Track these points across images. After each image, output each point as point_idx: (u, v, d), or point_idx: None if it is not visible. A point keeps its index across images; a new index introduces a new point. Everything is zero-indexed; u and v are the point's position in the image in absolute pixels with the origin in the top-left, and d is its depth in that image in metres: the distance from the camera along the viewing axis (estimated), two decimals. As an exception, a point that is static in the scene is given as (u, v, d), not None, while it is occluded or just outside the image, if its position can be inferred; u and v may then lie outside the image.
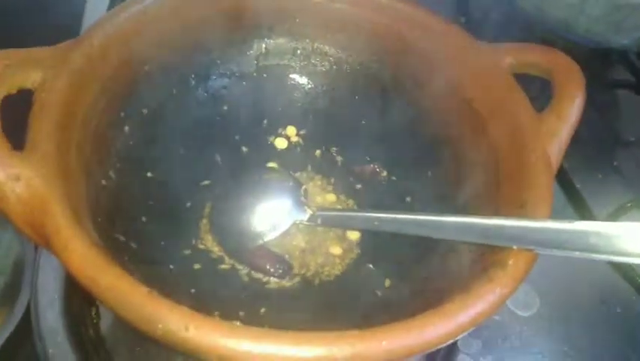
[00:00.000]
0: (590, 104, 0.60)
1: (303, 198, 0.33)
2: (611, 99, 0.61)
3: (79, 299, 0.35)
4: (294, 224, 0.33)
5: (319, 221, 0.32)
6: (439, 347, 0.21)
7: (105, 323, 0.34)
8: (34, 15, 0.53)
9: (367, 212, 0.32)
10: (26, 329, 0.36)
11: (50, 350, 0.33)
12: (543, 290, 0.40)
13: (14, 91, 0.25)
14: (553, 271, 0.41)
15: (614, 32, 0.51)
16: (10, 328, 0.35)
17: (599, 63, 0.61)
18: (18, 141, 0.24)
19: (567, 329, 0.39)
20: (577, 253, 0.23)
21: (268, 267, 0.31)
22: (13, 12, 0.54)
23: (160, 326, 0.20)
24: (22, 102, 0.26)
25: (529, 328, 0.38)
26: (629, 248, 0.22)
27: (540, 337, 0.38)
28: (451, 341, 0.22)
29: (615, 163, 0.53)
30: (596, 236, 0.23)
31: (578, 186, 0.48)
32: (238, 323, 0.20)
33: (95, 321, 0.34)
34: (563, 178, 0.47)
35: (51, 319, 0.34)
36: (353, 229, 0.34)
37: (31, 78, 0.26)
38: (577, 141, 0.54)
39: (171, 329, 0.20)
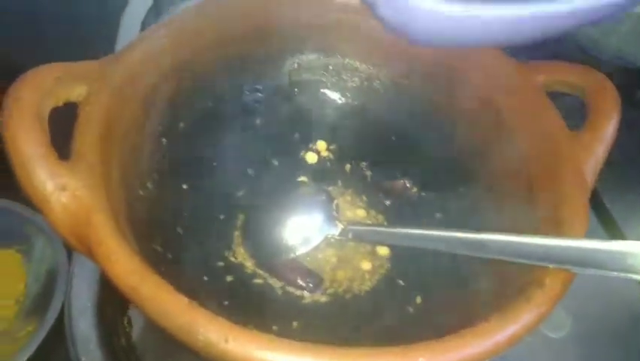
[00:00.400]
0: (622, 124, 0.60)
1: (334, 213, 0.34)
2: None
3: (111, 307, 0.36)
4: (326, 238, 0.33)
5: (350, 236, 0.33)
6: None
7: (136, 332, 0.35)
8: (67, 28, 0.55)
9: (398, 227, 0.32)
10: (59, 335, 0.37)
11: (83, 358, 0.34)
12: (574, 311, 0.39)
13: (61, 103, 0.26)
14: (584, 292, 0.41)
15: None
16: (43, 334, 0.37)
17: (630, 82, 0.61)
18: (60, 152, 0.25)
19: (599, 351, 0.39)
20: (614, 274, 0.23)
21: (299, 280, 0.31)
22: (47, 25, 0.56)
23: (200, 337, 0.20)
24: (63, 114, 0.27)
25: (560, 350, 0.38)
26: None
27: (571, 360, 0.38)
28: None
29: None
30: (633, 257, 0.22)
31: (608, 206, 0.48)
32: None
33: (127, 330, 0.35)
34: (593, 199, 0.47)
35: (84, 326, 0.35)
36: (383, 244, 0.34)
37: (77, 91, 0.27)
38: (607, 161, 0.54)
39: (211, 341, 0.20)
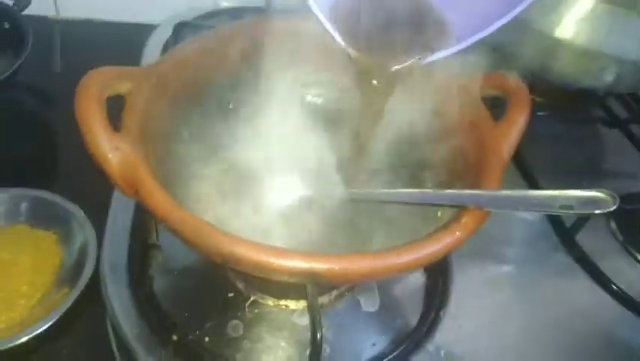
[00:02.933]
0: (569, 137, 0.69)
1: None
2: (588, 133, 0.69)
3: (137, 267, 0.44)
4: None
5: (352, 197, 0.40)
6: (407, 271, 0.30)
7: (158, 285, 0.43)
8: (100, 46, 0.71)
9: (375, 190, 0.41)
10: (90, 298, 0.44)
11: (115, 303, 0.42)
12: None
13: (113, 95, 0.36)
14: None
15: (583, 75, 0.57)
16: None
17: (578, 101, 0.70)
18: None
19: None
20: (512, 210, 0.32)
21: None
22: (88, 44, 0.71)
23: (214, 244, 0.29)
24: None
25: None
26: (546, 205, 0.31)
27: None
28: (418, 268, 0.30)
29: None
30: (524, 199, 0.31)
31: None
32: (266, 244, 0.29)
33: (150, 283, 0.43)
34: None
35: (116, 282, 0.43)
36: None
37: (124, 87, 0.36)
38: (557, 171, 0.62)
39: (224, 245, 0.29)
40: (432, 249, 0.30)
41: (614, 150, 0.67)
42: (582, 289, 0.49)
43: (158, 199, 0.31)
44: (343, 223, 0.41)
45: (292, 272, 0.29)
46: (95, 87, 0.33)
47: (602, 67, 0.56)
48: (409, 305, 0.44)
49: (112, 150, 0.32)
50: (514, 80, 0.40)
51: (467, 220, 0.32)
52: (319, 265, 0.28)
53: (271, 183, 0.42)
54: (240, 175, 0.42)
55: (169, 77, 0.40)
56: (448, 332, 0.42)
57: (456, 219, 0.32)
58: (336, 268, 0.29)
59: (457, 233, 0.31)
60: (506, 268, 0.48)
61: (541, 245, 0.52)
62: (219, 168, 0.42)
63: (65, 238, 0.49)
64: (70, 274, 0.47)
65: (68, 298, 0.44)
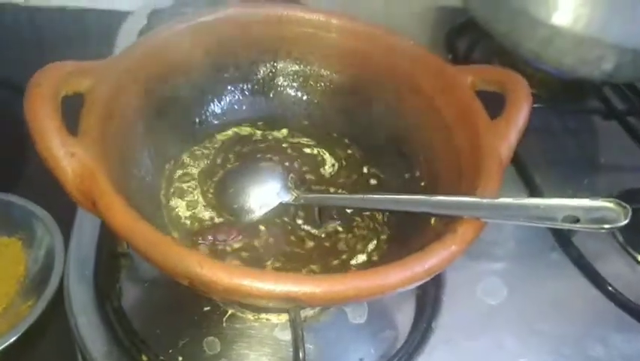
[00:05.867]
0: (565, 129, 0.66)
1: (289, 184, 0.40)
2: (585, 125, 0.67)
3: (104, 279, 0.41)
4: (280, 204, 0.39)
5: (302, 201, 0.39)
6: (400, 289, 0.27)
7: (127, 298, 0.40)
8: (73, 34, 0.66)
9: (342, 195, 0.38)
10: (56, 309, 0.41)
11: (79, 318, 0.38)
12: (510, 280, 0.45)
13: (70, 93, 0.32)
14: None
15: (580, 64, 0.55)
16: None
17: (572, 92, 0.68)
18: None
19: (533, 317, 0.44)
20: (512, 221, 0.29)
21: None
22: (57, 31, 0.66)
23: (180, 265, 0.26)
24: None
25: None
26: (548, 216, 0.28)
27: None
28: (410, 287, 0.27)
29: (585, 181, 0.59)
30: (525, 209, 0.28)
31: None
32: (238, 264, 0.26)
33: (118, 297, 0.40)
34: (534, 192, 0.53)
35: (80, 294, 0.40)
36: (332, 208, 0.40)
37: (84, 84, 0.33)
38: (552, 162, 0.60)
39: (189, 267, 0.26)
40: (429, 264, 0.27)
41: (612, 143, 0.64)
42: (580, 293, 0.46)
43: (117, 213, 0.27)
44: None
45: (270, 296, 0.25)
46: (49, 85, 0.30)
47: (600, 55, 0.54)
48: (399, 315, 0.41)
49: (66, 157, 0.29)
50: (513, 75, 0.37)
51: (464, 231, 0.29)
52: (301, 288, 0.25)
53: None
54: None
55: (136, 71, 0.36)
56: (440, 345, 0.40)
57: (451, 230, 0.29)
58: (318, 290, 0.26)
59: (453, 247, 0.28)
60: (501, 273, 0.46)
61: (537, 246, 0.49)
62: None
63: (30, 243, 0.46)
64: (35, 284, 0.44)
65: (34, 311, 0.41)
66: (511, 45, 0.58)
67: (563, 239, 0.49)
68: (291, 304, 0.26)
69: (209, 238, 0.37)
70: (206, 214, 0.40)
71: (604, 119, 0.64)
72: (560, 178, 0.58)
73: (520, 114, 0.35)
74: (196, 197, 0.41)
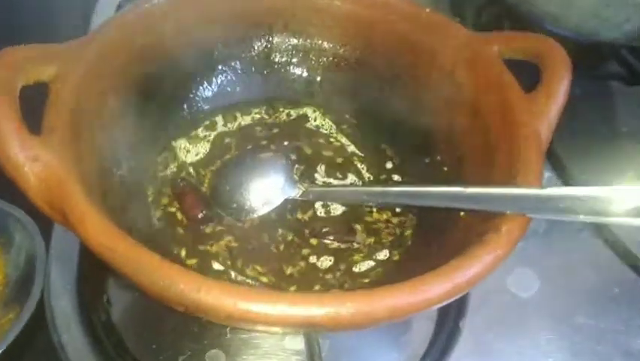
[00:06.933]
0: (584, 96, 0.62)
1: (295, 176, 0.35)
2: (604, 91, 0.62)
3: (90, 288, 0.36)
4: (286, 200, 0.34)
5: (311, 197, 0.34)
6: (439, 305, 0.23)
7: (116, 311, 0.36)
8: (42, 14, 0.57)
9: (355, 187, 0.33)
10: (41, 321, 0.37)
11: (64, 336, 0.34)
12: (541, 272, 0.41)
13: (31, 82, 0.27)
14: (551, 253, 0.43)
15: (604, 26, 0.52)
16: (25, 319, 0.36)
17: (591, 56, 0.63)
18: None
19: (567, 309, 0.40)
20: (564, 217, 0.24)
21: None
22: (22, 11, 0.58)
23: (172, 288, 0.21)
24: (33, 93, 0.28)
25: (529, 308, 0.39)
26: (610, 210, 0.23)
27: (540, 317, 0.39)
28: (450, 300, 0.23)
29: (608, 152, 0.55)
30: (580, 200, 0.24)
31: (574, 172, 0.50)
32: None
33: (106, 308, 0.36)
34: (556, 164, 0.49)
35: (64, 306, 0.36)
36: (344, 202, 0.35)
37: (47, 72, 0.28)
38: (572, 131, 0.56)
39: (184, 291, 0.21)
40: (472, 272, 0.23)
41: (634, 109, 0.60)
42: (618, 281, 0.42)
43: (91, 227, 0.22)
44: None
45: (285, 323, 0.21)
46: (2, 74, 0.25)
47: (626, 17, 0.51)
48: (421, 315, 0.37)
49: (28, 161, 0.24)
50: (549, 42, 0.32)
51: (509, 230, 0.24)
52: (323, 310, 0.21)
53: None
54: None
55: (110, 54, 0.31)
56: (468, 346, 0.36)
57: (493, 229, 0.25)
58: (344, 312, 0.21)
59: (499, 251, 0.23)
60: (531, 262, 0.41)
61: (568, 229, 0.45)
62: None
63: (8, 249, 0.42)
64: (17, 293, 0.40)
65: (16, 324, 0.37)
66: (526, 8, 0.54)
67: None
68: (311, 330, 0.21)
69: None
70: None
71: (625, 85, 0.61)
72: (579, 148, 0.54)
73: (560, 87, 0.30)
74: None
